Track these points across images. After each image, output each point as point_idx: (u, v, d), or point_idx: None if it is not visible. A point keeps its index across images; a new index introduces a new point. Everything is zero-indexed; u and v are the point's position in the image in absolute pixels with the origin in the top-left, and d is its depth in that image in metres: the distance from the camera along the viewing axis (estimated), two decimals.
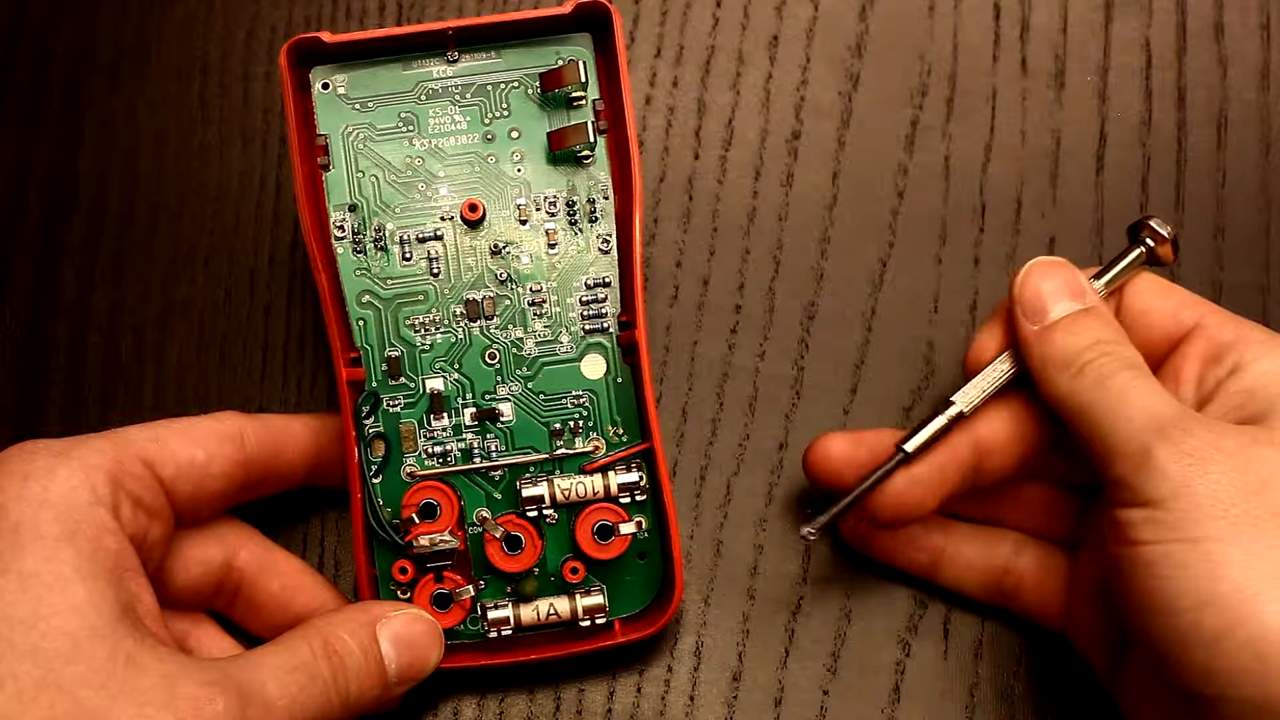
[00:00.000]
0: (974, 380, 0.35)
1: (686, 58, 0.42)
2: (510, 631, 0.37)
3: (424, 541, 0.36)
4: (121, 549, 0.31)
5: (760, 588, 0.39)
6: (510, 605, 0.37)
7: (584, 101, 0.37)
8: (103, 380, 0.41)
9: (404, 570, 0.36)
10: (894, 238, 0.41)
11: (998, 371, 0.35)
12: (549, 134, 0.37)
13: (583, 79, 0.37)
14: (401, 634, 0.34)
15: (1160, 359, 0.35)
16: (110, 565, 0.31)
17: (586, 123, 0.37)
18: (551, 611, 0.37)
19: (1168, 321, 0.34)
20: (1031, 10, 0.43)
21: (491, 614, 0.37)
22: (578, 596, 0.37)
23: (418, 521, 0.36)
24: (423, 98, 0.37)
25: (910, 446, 0.34)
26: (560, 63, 0.37)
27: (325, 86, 0.37)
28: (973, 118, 0.42)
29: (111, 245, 0.42)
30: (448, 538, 0.36)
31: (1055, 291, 0.34)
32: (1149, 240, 0.35)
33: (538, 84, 0.37)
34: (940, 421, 0.34)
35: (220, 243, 0.42)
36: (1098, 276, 0.35)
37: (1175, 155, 0.42)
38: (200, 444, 0.34)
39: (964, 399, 0.35)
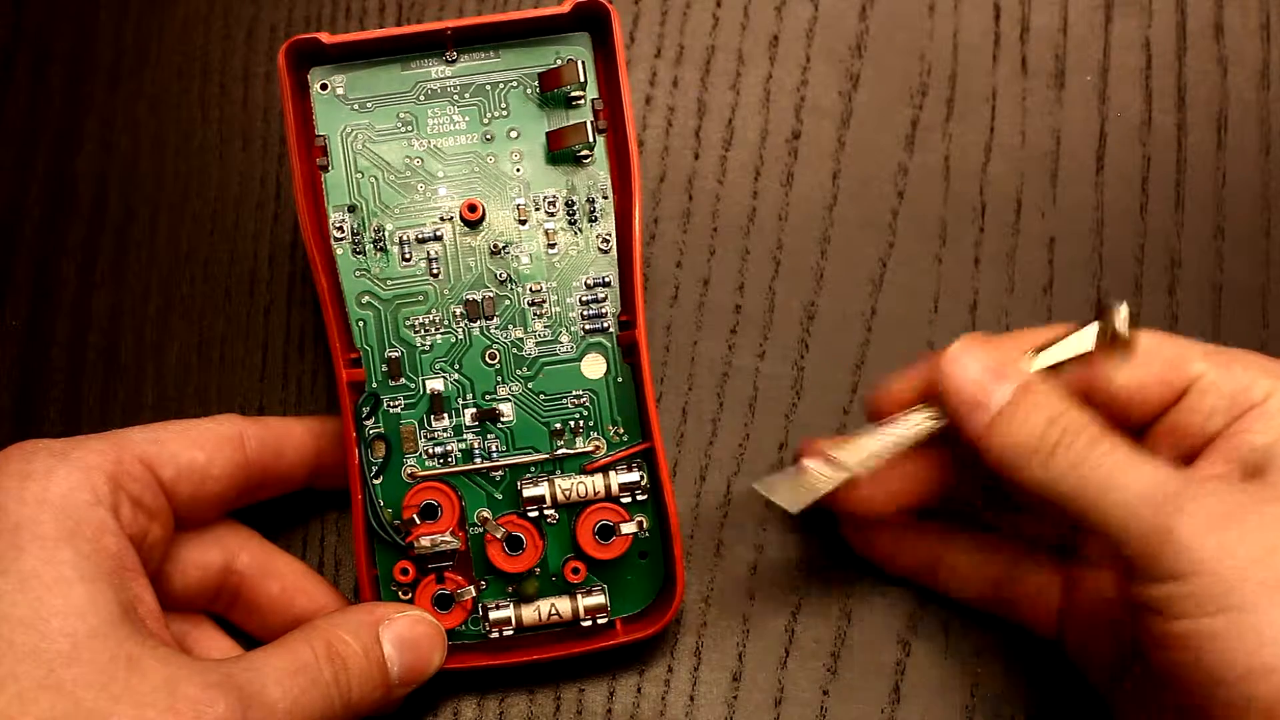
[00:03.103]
0: (871, 438, 0.34)
1: (686, 58, 0.42)
2: (511, 632, 0.37)
3: (425, 542, 0.36)
4: (122, 549, 0.31)
5: (760, 588, 0.39)
6: (511, 605, 0.37)
7: (583, 101, 0.37)
8: (103, 380, 0.41)
9: (405, 571, 0.36)
10: (894, 238, 0.41)
11: (898, 434, 0.34)
12: (548, 134, 0.37)
13: (581, 79, 0.36)
14: (405, 636, 0.34)
15: (1158, 415, 0.33)
16: (111, 566, 0.30)
17: (585, 122, 0.37)
18: (553, 612, 0.37)
19: (1164, 377, 0.33)
20: (1031, 10, 0.43)
21: (493, 614, 0.37)
22: (579, 596, 0.37)
23: (419, 522, 0.36)
24: (421, 98, 0.37)
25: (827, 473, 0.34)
26: (559, 62, 0.37)
27: (324, 87, 0.37)
28: (973, 118, 0.42)
29: (111, 245, 0.42)
30: (449, 538, 0.36)
31: (986, 378, 0.32)
32: (1103, 329, 0.32)
33: (536, 84, 0.37)
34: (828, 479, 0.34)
35: (220, 243, 0.42)
36: (1040, 350, 0.33)
37: (1175, 155, 0.42)
38: (200, 446, 0.34)
39: (857, 458, 0.34)
